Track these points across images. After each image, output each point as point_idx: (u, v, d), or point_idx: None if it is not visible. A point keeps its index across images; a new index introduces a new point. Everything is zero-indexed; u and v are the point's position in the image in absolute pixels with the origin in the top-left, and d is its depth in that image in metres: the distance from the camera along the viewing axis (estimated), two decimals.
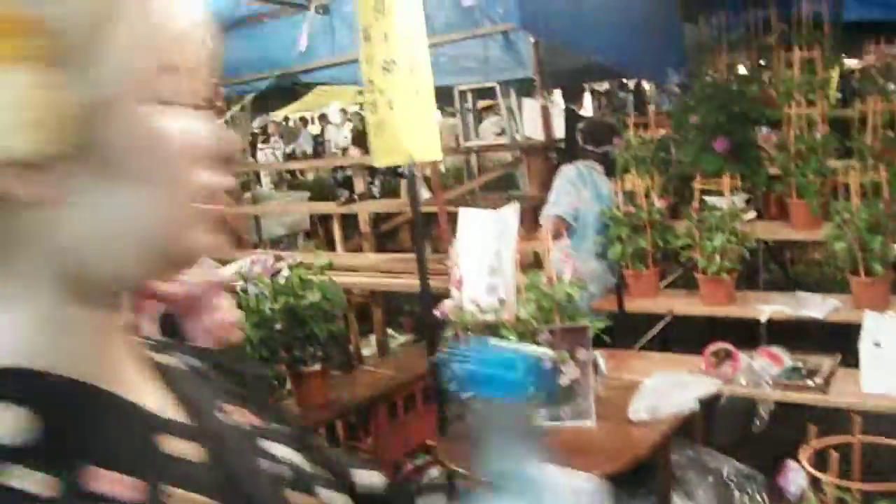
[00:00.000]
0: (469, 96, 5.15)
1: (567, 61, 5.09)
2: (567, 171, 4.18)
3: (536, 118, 4.66)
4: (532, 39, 4.69)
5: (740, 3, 4.84)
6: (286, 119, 13.39)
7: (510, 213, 2.68)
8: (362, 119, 13.39)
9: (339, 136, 11.67)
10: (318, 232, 7.07)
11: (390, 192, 7.84)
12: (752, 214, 3.96)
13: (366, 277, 4.27)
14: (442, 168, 6.47)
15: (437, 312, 2.70)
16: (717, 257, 3.56)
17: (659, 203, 4.01)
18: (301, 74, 5.91)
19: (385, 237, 5.90)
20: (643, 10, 4.63)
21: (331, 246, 6.90)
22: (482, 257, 2.71)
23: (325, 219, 6.59)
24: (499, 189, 5.44)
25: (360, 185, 5.55)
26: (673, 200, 4.30)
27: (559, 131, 4.88)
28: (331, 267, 3.75)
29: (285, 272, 3.90)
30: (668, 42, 4.85)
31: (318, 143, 12.14)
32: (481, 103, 5.53)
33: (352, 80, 5.73)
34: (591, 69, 5.74)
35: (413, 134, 2.72)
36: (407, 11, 2.71)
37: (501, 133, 5.25)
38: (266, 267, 4.74)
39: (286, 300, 3.53)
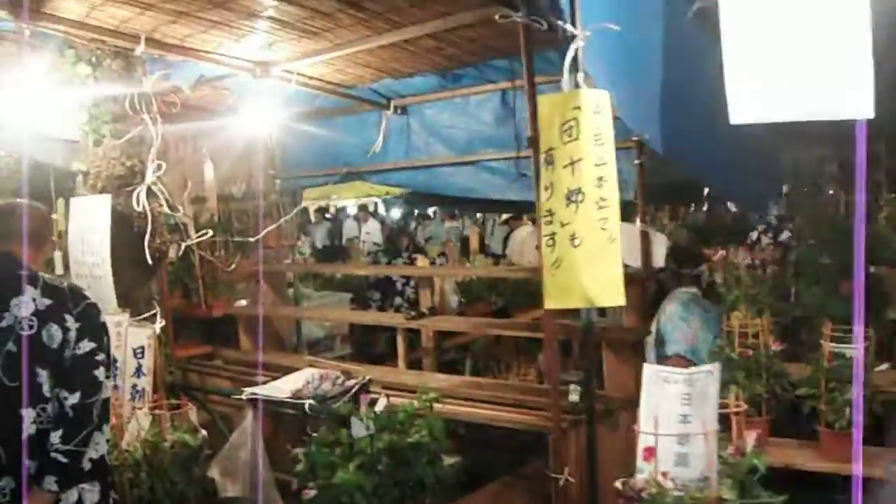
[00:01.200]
0: None
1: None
2: (674, 305, 4.12)
3: (634, 244, 4.35)
4: (636, 161, 4.45)
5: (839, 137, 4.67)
6: (304, 210, 13.11)
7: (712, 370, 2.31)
8: (401, 217, 13.23)
9: (373, 232, 11.37)
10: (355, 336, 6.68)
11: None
12: (884, 365, 3.71)
13: (484, 409, 3.84)
14: None
15: (619, 485, 2.28)
16: (847, 411, 3.31)
17: (775, 346, 3.77)
18: (370, 175, 5.61)
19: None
20: (750, 141, 4.42)
21: (363, 353, 6.50)
22: (668, 422, 2.33)
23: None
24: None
25: (426, 300, 5.16)
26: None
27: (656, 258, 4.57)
28: (438, 400, 3.34)
29: (382, 401, 3.46)
30: (768, 173, 4.63)
31: (334, 235, 11.85)
32: None
33: (423, 186, 5.46)
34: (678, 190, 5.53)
35: (595, 275, 2.37)
36: (599, 137, 2.40)
37: None
38: (335, 382, 4.29)
39: (391, 438, 3.09)
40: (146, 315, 3.98)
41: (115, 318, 3.73)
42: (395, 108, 5.15)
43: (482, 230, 11.36)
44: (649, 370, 2.39)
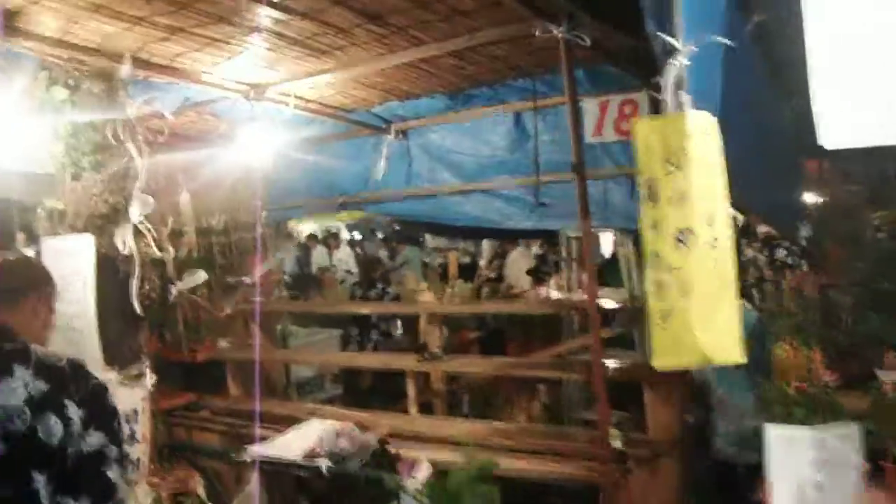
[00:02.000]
0: (574, 244, 4.51)
1: None
2: None
3: None
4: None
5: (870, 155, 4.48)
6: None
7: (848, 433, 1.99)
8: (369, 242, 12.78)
9: (344, 259, 10.89)
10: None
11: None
12: None
13: (524, 461, 3.46)
14: None
15: None
16: None
17: (827, 378, 3.52)
18: (368, 204, 5.19)
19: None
20: (777, 158, 4.18)
21: (354, 393, 6.07)
22: (800, 491, 2.00)
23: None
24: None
25: (433, 337, 4.75)
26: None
27: None
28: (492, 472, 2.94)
29: (425, 467, 3.06)
30: (792, 193, 4.40)
31: (303, 264, 11.32)
32: None
33: (428, 216, 5.05)
34: None
35: (710, 327, 2.02)
36: (707, 165, 2.07)
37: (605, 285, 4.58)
38: (354, 439, 3.85)
39: None
40: (134, 372, 3.51)
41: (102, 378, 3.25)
42: (396, 132, 4.76)
43: (474, 255, 10.99)
44: (773, 431, 2.06)
